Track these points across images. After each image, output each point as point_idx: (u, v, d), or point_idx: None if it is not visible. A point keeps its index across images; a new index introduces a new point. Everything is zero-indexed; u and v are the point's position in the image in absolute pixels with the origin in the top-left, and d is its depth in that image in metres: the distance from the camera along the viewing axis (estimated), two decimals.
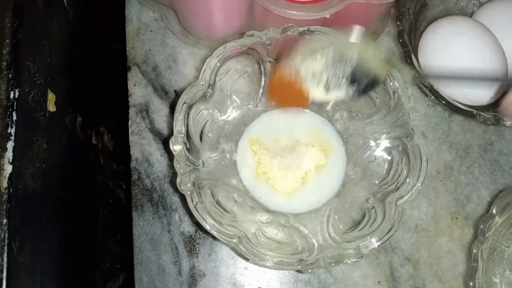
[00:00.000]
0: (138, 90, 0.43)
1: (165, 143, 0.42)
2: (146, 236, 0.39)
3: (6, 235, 0.24)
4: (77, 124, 0.37)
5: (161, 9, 0.45)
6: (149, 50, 0.44)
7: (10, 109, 0.27)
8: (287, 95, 0.36)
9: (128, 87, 0.43)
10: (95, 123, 0.41)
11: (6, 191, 0.25)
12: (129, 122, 0.42)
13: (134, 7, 0.45)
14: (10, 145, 0.26)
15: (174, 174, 0.41)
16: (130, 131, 0.42)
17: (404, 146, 0.36)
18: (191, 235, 0.39)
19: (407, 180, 0.34)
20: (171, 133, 0.42)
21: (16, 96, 0.27)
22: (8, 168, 0.25)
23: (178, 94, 0.43)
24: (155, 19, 0.45)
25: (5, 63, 0.27)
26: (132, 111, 0.42)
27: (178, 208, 0.40)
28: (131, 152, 0.41)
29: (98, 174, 0.41)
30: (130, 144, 0.41)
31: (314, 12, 0.35)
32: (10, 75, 0.27)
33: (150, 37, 0.44)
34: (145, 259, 0.39)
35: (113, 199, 0.44)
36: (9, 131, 0.26)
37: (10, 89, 0.27)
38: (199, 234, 0.39)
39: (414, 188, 0.34)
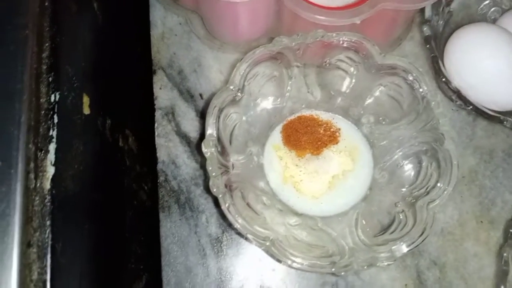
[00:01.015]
0: (163, 94, 0.43)
1: (191, 145, 0.42)
2: (173, 238, 0.39)
3: (50, 236, 0.25)
4: (106, 126, 0.37)
5: (185, 13, 0.45)
6: (174, 54, 0.44)
7: (52, 112, 0.27)
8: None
9: (154, 90, 0.43)
10: (122, 125, 0.41)
11: (49, 192, 0.25)
12: (155, 124, 0.42)
13: (159, 12, 0.45)
14: (52, 147, 0.26)
15: (200, 176, 0.41)
16: (156, 133, 0.42)
17: (433, 151, 0.36)
18: (218, 237, 0.40)
19: (438, 184, 0.34)
20: (197, 136, 0.42)
21: (57, 99, 0.27)
22: (51, 170, 0.26)
23: (203, 98, 0.43)
24: (180, 23, 0.45)
25: (45, 67, 0.28)
26: (158, 114, 0.43)
27: (205, 210, 0.40)
28: (157, 154, 0.41)
29: (124, 176, 0.41)
30: (156, 146, 0.42)
31: (344, 18, 0.35)
32: (50, 78, 0.28)
33: (175, 41, 0.45)
34: (173, 260, 0.39)
35: (137, 201, 0.44)
36: (50, 133, 0.26)
37: (51, 92, 0.27)
38: (226, 236, 0.40)
39: (445, 192, 0.34)
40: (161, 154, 0.41)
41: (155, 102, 0.43)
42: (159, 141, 0.42)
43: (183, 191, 0.41)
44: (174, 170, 0.41)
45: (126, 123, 0.43)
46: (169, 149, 0.42)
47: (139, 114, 0.45)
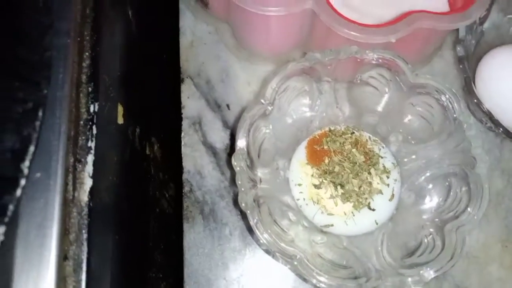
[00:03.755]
0: (191, 103, 0.43)
1: (216, 156, 0.42)
2: (197, 249, 0.39)
3: (86, 250, 0.25)
4: (136, 135, 0.37)
5: (215, 23, 0.45)
6: (203, 63, 0.44)
7: (91, 123, 0.27)
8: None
9: (182, 99, 0.43)
10: (149, 133, 0.41)
11: (87, 205, 0.25)
12: (182, 134, 0.42)
13: (189, 20, 0.45)
14: (90, 158, 0.26)
15: (225, 188, 0.41)
16: (183, 143, 0.42)
17: (463, 174, 0.35)
18: (241, 251, 0.39)
19: (468, 209, 0.34)
20: (223, 147, 0.42)
21: (96, 109, 0.27)
22: (89, 182, 0.26)
23: (230, 108, 0.43)
24: (209, 32, 0.45)
25: (85, 76, 0.28)
26: (185, 123, 0.42)
27: (229, 222, 0.40)
28: (183, 164, 0.41)
29: (149, 185, 0.41)
30: (182, 156, 0.41)
31: (380, 36, 0.35)
32: (90, 88, 0.28)
33: (203, 50, 0.45)
34: (195, 272, 0.39)
35: (159, 209, 0.44)
36: (89, 144, 0.26)
37: (90, 102, 0.27)
38: (249, 250, 0.39)
39: (475, 217, 0.33)
40: (187, 164, 0.41)
41: (183, 111, 0.43)
42: (185, 150, 0.42)
43: (208, 202, 0.40)
44: (199, 180, 0.41)
45: (152, 131, 0.43)
46: (195, 159, 0.41)
47: (166, 122, 0.45)
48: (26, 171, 0.21)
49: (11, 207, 0.20)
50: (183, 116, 0.43)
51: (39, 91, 0.22)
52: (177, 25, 0.45)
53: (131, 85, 0.36)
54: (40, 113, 0.21)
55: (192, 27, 0.45)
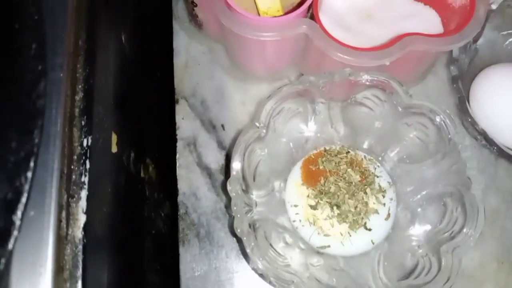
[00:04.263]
0: (186, 124, 0.43)
1: (211, 177, 0.42)
2: (193, 272, 0.39)
3: (81, 286, 0.24)
4: (130, 160, 0.37)
5: (209, 43, 0.45)
6: (197, 83, 0.44)
7: (84, 157, 0.27)
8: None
9: (176, 120, 0.43)
10: (143, 155, 0.41)
11: (80, 242, 0.25)
12: (177, 155, 0.42)
13: (183, 40, 0.45)
14: (83, 194, 0.26)
15: (220, 210, 0.41)
16: (177, 164, 0.42)
17: (459, 195, 0.35)
18: (238, 273, 0.39)
19: (464, 230, 0.34)
20: (218, 168, 0.42)
21: (89, 143, 0.27)
22: (82, 218, 0.26)
23: (225, 129, 0.43)
24: (203, 53, 0.45)
25: (77, 110, 0.27)
26: (180, 145, 0.42)
27: (225, 244, 0.40)
28: (178, 185, 0.41)
29: (144, 206, 0.41)
30: (177, 177, 0.41)
31: (374, 59, 0.35)
32: (83, 122, 0.27)
33: (198, 71, 0.45)
34: None
35: (155, 230, 0.44)
36: (83, 179, 0.26)
37: (83, 136, 0.27)
38: (246, 273, 0.39)
39: (471, 238, 0.33)
40: (182, 186, 0.41)
41: (177, 132, 0.43)
42: (180, 172, 0.42)
43: (203, 224, 0.40)
44: (195, 202, 0.41)
45: (147, 152, 0.43)
46: (190, 180, 0.41)
47: (161, 143, 0.44)
48: (18, 222, 0.21)
49: (3, 261, 0.19)
50: (177, 137, 0.43)
51: (31, 140, 0.22)
52: (171, 46, 0.45)
53: (125, 111, 0.35)
54: (32, 164, 0.21)
55: (186, 48, 0.45)
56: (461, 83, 0.40)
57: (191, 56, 0.45)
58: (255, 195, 0.37)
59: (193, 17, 0.44)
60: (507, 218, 0.42)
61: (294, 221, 0.39)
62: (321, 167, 0.40)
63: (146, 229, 0.41)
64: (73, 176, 0.26)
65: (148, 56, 0.44)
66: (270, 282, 0.34)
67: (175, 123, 0.43)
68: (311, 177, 0.40)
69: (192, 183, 0.41)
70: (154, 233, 0.44)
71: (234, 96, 0.44)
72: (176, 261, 0.40)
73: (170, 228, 0.46)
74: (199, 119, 0.43)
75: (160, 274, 0.44)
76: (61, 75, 0.27)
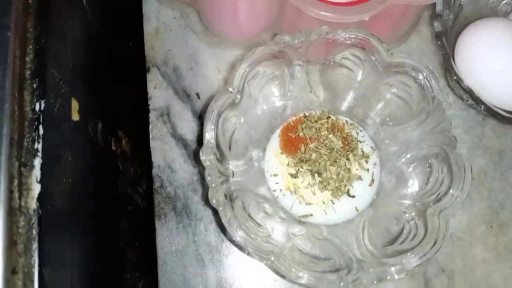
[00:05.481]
0: (158, 93, 0.41)
1: (187, 148, 0.40)
2: (170, 247, 0.37)
3: (37, 261, 0.23)
4: (98, 131, 0.35)
5: (181, 7, 0.42)
6: (169, 50, 0.42)
7: (36, 123, 0.25)
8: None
9: (148, 89, 0.41)
10: (114, 127, 0.39)
11: (35, 213, 0.23)
12: (150, 126, 0.40)
13: (153, 5, 0.43)
14: (37, 162, 0.24)
15: (198, 182, 0.39)
16: (151, 136, 0.40)
17: (444, 155, 0.34)
18: (217, 246, 0.38)
19: (450, 191, 0.32)
20: (194, 138, 0.40)
21: (42, 108, 0.25)
22: (37, 188, 0.24)
23: (200, 97, 0.41)
24: (175, 18, 0.43)
25: (29, 72, 0.25)
26: (152, 115, 0.40)
27: (203, 217, 0.38)
28: (152, 158, 0.39)
29: (118, 182, 0.39)
30: (151, 150, 0.39)
31: (352, 15, 0.33)
32: (34, 85, 0.25)
33: (169, 37, 0.42)
34: (170, 271, 0.37)
35: (131, 206, 0.42)
36: (35, 146, 0.24)
37: (35, 100, 0.25)
38: (226, 245, 0.38)
39: (458, 199, 0.32)
40: (157, 158, 0.39)
41: (150, 102, 0.40)
42: (154, 144, 0.40)
43: (180, 197, 0.38)
44: (171, 175, 0.39)
45: (118, 124, 0.40)
46: (164, 152, 0.39)
47: (134, 115, 0.42)
48: None
49: None
50: (150, 107, 0.40)
51: None
52: (140, 11, 0.43)
53: (88, 78, 0.33)
54: None
55: (156, 13, 0.43)
56: (446, 41, 0.38)
57: (161, 21, 0.42)
58: (232, 165, 0.35)
59: None
60: (495, 179, 0.41)
61: (274, 190, 0.37)
62: (301, 134, 0.38)
63: (121, 205, 0.39)
64: (25, 143, 0.24)
65: (116, 23, 0.42)
66: (248, 254, 0.33)
67: (147, 93, 0.41)
68: (291, 145, 0.38)
69: (167, 155, 0.39)
70: (131, 209, 0.42)
71: (208, 62, 0.42)
72: (154, 238, 0.38)
73: (148, 203, 0.44)
74: (172, 88, 0.41)
75: (140, 251, 0.42)
76: (9, 34, 0.25)
